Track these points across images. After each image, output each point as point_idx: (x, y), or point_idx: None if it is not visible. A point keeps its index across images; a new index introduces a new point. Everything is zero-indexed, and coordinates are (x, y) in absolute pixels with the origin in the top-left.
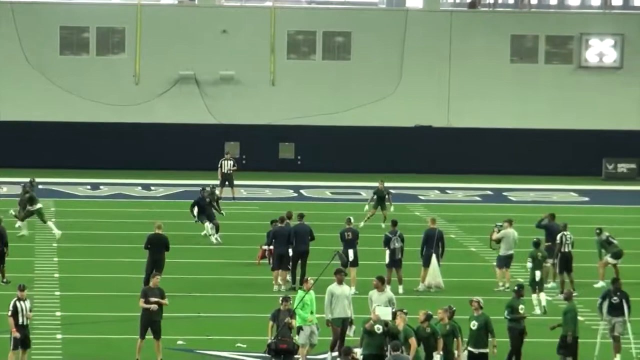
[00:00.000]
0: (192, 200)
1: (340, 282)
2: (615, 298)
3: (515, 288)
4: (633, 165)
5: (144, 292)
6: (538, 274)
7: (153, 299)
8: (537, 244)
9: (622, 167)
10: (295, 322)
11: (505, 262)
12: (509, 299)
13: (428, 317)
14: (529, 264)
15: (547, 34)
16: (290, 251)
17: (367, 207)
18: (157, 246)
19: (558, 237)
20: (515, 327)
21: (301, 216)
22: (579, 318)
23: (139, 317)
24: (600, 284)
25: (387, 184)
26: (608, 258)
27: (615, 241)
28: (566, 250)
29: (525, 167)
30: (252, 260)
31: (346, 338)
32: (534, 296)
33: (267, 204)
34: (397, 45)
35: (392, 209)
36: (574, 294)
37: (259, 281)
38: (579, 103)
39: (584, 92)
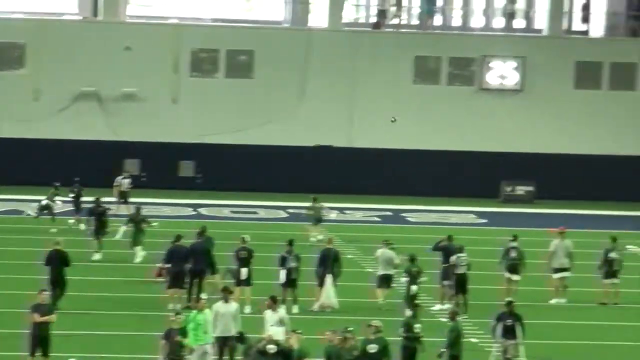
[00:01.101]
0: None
1: (226, 300)
2: (509, 320)
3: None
4: (531, 188)
5: (32, 307)
6: (414, 288)
7: (36, 315)
8: (412, 259)
9: (521, 190)
10: (188, 341)
11: (380, 281)
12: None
13: (345, 339)
14: (404, 279)
15: (450, 55)
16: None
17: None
18: (56, 262)
19: (452, 258)
20: (408, 346)
21: (200, 233)
22: (473, 340)
23: (29, 334)
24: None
25: (289, 203)
26: (505, 273)
27: (514, 254)
28: (460, 272)
29: (425, 188)
30: (149, 278)
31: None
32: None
33: (166, 222)
34: (301, 65)
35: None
36: (462, 316)
37: (155, 299)
38: (479, 125)
39: (485, 114)
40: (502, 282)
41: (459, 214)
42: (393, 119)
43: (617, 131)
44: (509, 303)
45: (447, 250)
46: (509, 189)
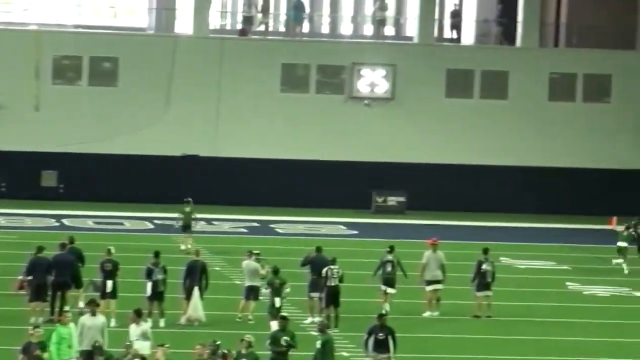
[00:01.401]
0: None
1: (93, 314)
2: (381, 334)
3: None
4: (402, 199)
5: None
6: (277, 300)
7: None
8: (275, 271)
9: (392, 200)
10: (47, 356)
11: (247, 293)
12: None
13: (213, 351)
14: (266, 290)
15: (318, 63)
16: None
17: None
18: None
19: (324, 271)
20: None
21: (63, 245)
22: (344, 354)
23: None
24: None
25: (155, 214)
26: (381, 286)
27: (389, 268)
28: (332, 284)
29: (293, 199)
30: (9, 292)
31: None
32: (273, 323)
33: (27, 233)
34: (166, 72)
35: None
36: (333, 330)
37: (16, 313)
38: (349, 134)
39: (354, 122)
40: (373, 294)
41: (328, 225)
42: (367, 103)
43: (489, 140)
44: (381, 316)
45: (314, 262)
46: (380, 199)
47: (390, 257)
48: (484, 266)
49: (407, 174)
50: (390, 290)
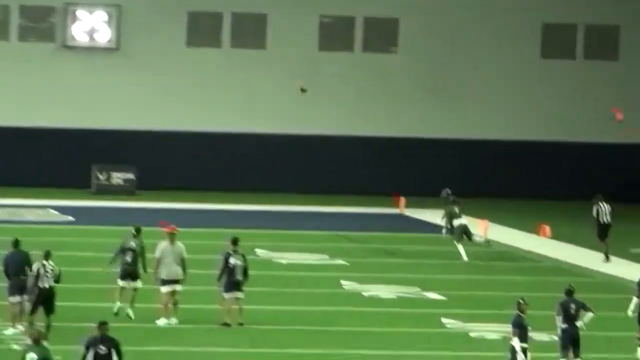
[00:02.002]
0: None
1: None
2: (102, 347)
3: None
4: (131, 176)
5: None
6: None
7: None
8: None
9: (118, 178)
10: None
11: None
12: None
13: None
14: None
15: (21, 2)
16: None
17: None
18: None
19: (34, 267)
20: None
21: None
22: None
23: None
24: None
25: None
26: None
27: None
28: (45, 285)
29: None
30: None
31: None
32: None
33: None
34: None
35: None
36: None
37: None
38: (61, 94)
39: (68, 79)
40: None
41: (34, 210)
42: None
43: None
44: (101, 325)
45: (11, 261)
46: (102, 176)
47: (133, 243)
48: (232, 260)
49: (136, 145)
50: (132, 284)
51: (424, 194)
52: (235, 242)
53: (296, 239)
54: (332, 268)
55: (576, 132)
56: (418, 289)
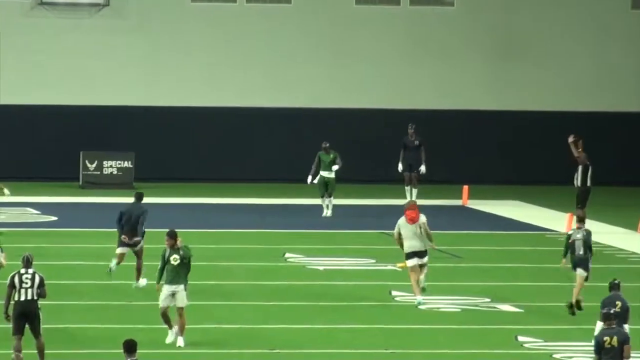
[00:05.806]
0: None
1: None
2: None
3: None
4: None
5: None
6: None
7: None
8: None
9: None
10: None
11: None
12: None
13: None
14: None
15: None
16: None
17: None
18: None
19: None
20: None
21: None
22: None
23: None
24: None
25: None
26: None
27: None
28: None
29: None
30: None
31: None
32: None
33: None
34: None
35: None
36: None
37: None
38: (38, 59)
39: (46, 41)
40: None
41: (7, 209)
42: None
43: None
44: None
45: None
46: (92, 166)
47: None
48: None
49: (134, 126)
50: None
51: (490, 182)
52: None
53: (335, 240)
54: (379, 275)
55: None
56: (488, 300)
